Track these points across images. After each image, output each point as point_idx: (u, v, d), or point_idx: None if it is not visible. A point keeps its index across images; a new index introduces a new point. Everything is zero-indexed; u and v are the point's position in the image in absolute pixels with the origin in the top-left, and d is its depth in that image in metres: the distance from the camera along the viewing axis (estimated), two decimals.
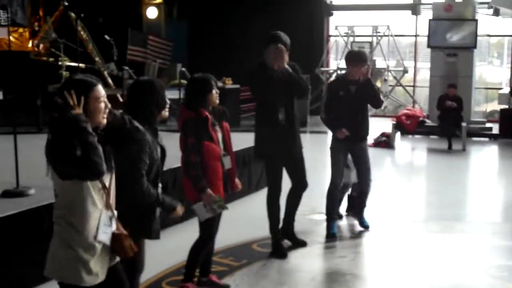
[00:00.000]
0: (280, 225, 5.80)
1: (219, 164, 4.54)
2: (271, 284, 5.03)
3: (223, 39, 17.09)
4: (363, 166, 6.31)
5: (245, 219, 5.98)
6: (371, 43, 16.24)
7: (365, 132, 6.29)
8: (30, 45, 14.96)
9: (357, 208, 6.67)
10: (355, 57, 6.18)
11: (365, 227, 6.52)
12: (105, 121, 3.04)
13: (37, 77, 13.16)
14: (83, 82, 3.00)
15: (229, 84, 13.48)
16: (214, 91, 4.52)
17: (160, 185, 3.77)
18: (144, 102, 3.72)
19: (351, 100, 6.07)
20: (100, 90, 3.02)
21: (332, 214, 6.37)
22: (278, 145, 5.50)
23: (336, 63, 17.13)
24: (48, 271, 3.04)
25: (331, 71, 17.24)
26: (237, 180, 4.86)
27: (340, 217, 6.95)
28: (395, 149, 12.48)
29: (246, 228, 5.98)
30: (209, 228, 4.61)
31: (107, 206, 3.05)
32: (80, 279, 2.96)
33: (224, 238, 5.71)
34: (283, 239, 5.92)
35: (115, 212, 3.12)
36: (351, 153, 6.30)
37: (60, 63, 13.78)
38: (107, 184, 3.03)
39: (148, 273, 4.31)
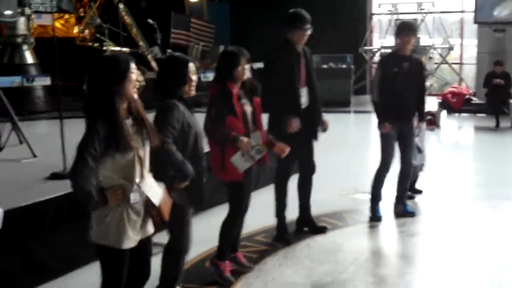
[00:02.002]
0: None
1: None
2: (314, 263, 5.05)
3: (265, 20, 17.03)
4: (409, 148, 6.10)
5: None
6: (415, 20, 15.94)
7: (418, 111, 6.10)
8: (75, 31, 15.24)
9: (398, 194, 6.28)
10: (406, 28, 5.99)
11: (410, 214, 6.22)
12: (136, 95, 3.19)
13: (83, 62, 13.43)
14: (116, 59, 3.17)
15: None
16: (242, 66, 4.47)
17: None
18: (165, 77, 3.91)
19: (405, 77, 5.90)
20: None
21: (377, 196, 6.20)
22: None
23: (380, 42, 16.92)
24: (90, 235, 3.19)
25: (375, 50, 17.04)
26: (279, 145, 4.74)
27: (419, 192, 6.93)
28: (441, 127, 12.28)
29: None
30: (239, 203, 4.62)
31: (141, 175, 3.15)
32: (117, 242, 3.11)
33: (267, 218, 5.78)
34: (303, 227, 5.83)
35: (150, 181, 3.23)
36: (399, 132, 6.03)
37: (105, 48, 14.02)
38: (141, 154, 3.14)
39: (193, 252, 4.37)
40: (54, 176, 5.43)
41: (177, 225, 3.89)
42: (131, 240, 3.17)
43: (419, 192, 7.03)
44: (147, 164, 3.24)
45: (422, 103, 6.14)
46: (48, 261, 4.66)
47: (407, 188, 6.38)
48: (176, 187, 3.78)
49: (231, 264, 4.77)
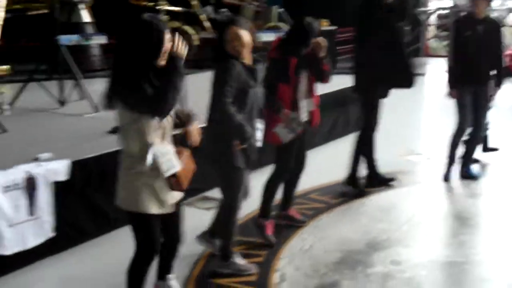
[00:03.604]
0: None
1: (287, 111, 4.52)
2: (370, 221, 5.10)
3: None
4: (482, 110, 6.01)
5: (343, 159, 6.03)
6: None
7: (494, 73, 5.95)
8: None
9: (464, 157, 6.25)
10: None
11: (474, 177, 6.19)
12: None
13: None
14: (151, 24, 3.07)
15: (326, 25, 13.31)
16: (311, 47, 4.51)
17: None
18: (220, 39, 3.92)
19: (478, 41, 5.79)
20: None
21: (451, 158, 6.17)
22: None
23: (436, 3, 16.52)
24: (118, 201, 3.25)
25: (430, 11, 16.65)
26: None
27: (495, 149, 6.94)
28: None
29: (341, 169, 6.02)
30: (283, 162, 4.67)
31: (165, 138, 3.19)
32: (145, 207, 3.15)
33: (322, 177, 5.84)
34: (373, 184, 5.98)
35: (166, 148, 3.21)
36: (473, 96, 5.95)
37: (158, 7, 14.08)
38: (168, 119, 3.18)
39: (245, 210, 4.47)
40: (115, 130, 5.56)
41: (231, 187, 3.99)
42: (158, 205, 3.19)
43: (495, 149, 6.97)
44: (168, 130, 3.25)
45: (498, 66, 5.96)
46: (110, 212, 4.81)
47: (474, 151, 6.30)
48: (234, 149, 3.87)
49: (273, 223, 4.83)
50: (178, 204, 3.39)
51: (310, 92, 4.71)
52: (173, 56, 3.07)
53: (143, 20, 3.08)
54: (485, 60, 5.85)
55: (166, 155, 3.17)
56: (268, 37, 10.32)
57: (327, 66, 4.60)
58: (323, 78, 4.67)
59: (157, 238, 3.29)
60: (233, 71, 3.79)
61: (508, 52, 12.67)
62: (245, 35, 3.90)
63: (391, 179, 6.05)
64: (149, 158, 3.10)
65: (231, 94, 3.77)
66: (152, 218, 3.21)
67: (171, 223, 3.41)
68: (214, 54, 4.01)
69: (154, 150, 3.11)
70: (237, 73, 3.80)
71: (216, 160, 3.96)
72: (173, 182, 3.20)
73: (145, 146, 3.10)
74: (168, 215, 3.30)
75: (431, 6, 17.09)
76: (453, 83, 5.93)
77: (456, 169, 6.21)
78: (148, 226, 3.23)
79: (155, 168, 3.13)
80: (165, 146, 3.20)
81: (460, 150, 6.14)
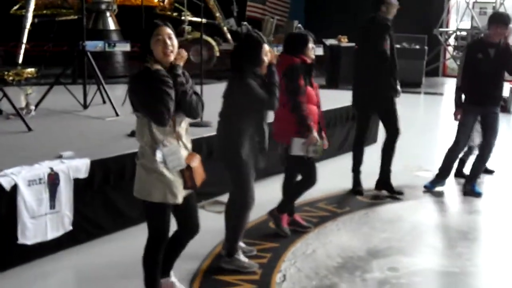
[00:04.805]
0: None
1: (316, 108, 4.89)
2: (372, 230, 5.32)
3: None
4: (491, 130, 6.17)
5: (348, 172, 6.29)
6: (494, 4, 15.68)
7: (499, 97, 6.22)
8: (156, 0, 15.69)
9: (471, 174, 6.46)
10: (500, 19, 6.06)
11: (477, 194, 6.36)
12: (169, 58, 3.40)
13: None
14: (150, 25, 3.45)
15: (345, 42, 13.57)
16: (310, 45, 4.83)
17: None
18: (240, 55, 4.21)
19: (489, 64, 5.99)
20: (160, 29, 3.39)
21: (442, 173, 6.43)
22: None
23: (456, 24, 16.68)
24: (135, 191, 3.57)
25: (450, 32, 16.83)
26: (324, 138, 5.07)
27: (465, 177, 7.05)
28: None
29: (348, 180, 6.28)
30: (310, 172, 4.94)
31: (177, 137, 3.48)
32: (161, 197, 3.45)
33: (330, 187, 6.08)
34: (381, 189, 6.31)
35: (185, 144, 3.54)
36: (481, 117, 6.19)
37: (183, 18, 14.45)
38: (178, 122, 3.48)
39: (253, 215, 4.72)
40: (134, 134, 5.84)
41: (242, 180, 4.25)
42: (174, 195, 3.48)
43: (491, 172, 7.16)
44: (182, 129, 3.54)
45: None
46: (126, 210, 5.10)
47: (481, 170, 6.49)
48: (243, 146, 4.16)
49: (289, 219, 5.15)
50: (191, 197, 3.67)
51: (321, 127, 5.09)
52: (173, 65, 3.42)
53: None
54: (493, 83, 6.06)
55: (175, 154, 3.46)
56: None
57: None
58: None
59: (166, 228, 3.58)
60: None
61: None
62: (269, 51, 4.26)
63: (400, 193, 6.27)
64: (159, 155, 3.41)
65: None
66: (164, 208, 3.51)
67: (187, 213, 3.71)
68: (233, 68, 4.27)
69: (162, 148, 3.41)
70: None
71: (227, 157, 4.25)
72: (187, 176, 3.51)
73: (153, 142, 3.41)
74: (183, 206, 3.58)
75: (451, 26, 17.24)
76: (459, 103, 6.16)
77: (448, 184, 6.51)
78: (159, 215, 3.53)
79: (156, 160, 3.43)
80: (175, 145, 3.47)
81: (466, 167, 6.36)
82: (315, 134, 4.76)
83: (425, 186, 6.49)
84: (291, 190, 5.10)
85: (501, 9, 15.45)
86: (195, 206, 3.80)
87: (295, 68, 4.75)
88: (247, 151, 4.18)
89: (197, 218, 3.80)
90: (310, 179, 4.96)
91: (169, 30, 3.41)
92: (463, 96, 6.22)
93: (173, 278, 3.99)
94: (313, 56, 4.88)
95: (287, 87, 4.70)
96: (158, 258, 3.66)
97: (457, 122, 6.32)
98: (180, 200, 3.53)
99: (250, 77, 4.12)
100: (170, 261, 3.92)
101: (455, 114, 6.23)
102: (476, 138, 6.72)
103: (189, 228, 3.79)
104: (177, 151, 3.47)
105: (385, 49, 5.90)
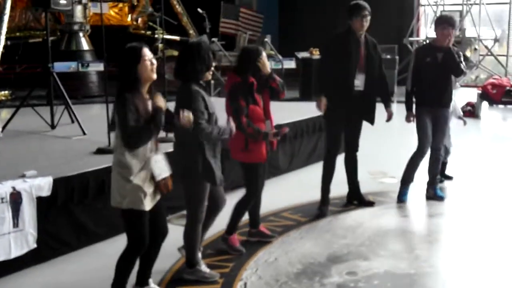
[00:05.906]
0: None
1: (263, 125, 4.94)
2: (333, 237, 5.45)
3: (312, 10, 17.34)
4: (441, 132, 6.36)
5: (316, 182, 6.40)
6: (461, 11, 15.99)
7: (449, 99, 6.38)
8: (129, 19, 15.85)
9: (429, 178, 6.58)
10: (444, 20, 6.25)
11: (440, 198, 6.50)
12: (154, 75, 3.75)
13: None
14: (134, 49, 3.76)
15: (316, 54, 13.75)
16: (262, 59, 4.89)
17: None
18: (192, 60, 4.27)
19: (437, 68, 6.16)
20: (144, 51, 3.73)
21: (407, 180, 6.52)
22: (343, 110, 5.91)
23: (425, 33, 16.97)
24: (113, 202, 3.81)
25: (421, 41, 17.11)
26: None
27: (449, 178, 7.24)
28: (481, 118, 12.39)
29: (316, 190, 6.39)
30: (255, 184, 5.03)
31: (155, 150, 3.84)
32: (140, 205, 3.73)
33: (295, 198, 6.21)
34: (352, 200, 6.38)
35: (158, 157, 3.85)
36: (432, 120, 6.33)
37: (156, 36, 14.58)
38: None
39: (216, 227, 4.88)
40: (100, 151, 5.94)
41: (193, 196, 4.42)
42: (149, 203, 3.77)
43: (449, 178, 7.29)
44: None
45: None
46: (91, 227, 5.19)
47: (438, 172, 6.65)
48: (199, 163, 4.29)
49: (238, 237, 5.21)
50: (160, 203, 3.94)
51: (267, 113, 5.09)
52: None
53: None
54: (442, 86, 6.25)
55: (159, 162, 3.81)
56: None
57: (274, 83, 5.00)
58: (278, 94, 5.07)
59: (146, 233, 3.82)
60: (201, 99, 4.29)
61: (489, 81, 13.11)
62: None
63: (371, 203, 6.36)
64: (156, 171, 3.78)
65: (203, 120, 4.25)
66: (144, 215, 3.76)
67: (157, 217, 3.93)
68: (178, 77, 4.40)
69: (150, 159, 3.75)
70: (204, 100, 4.32)
71: (182, 172, 4.35)
72: (162, 184, 3.81)
73: (136, 157, 3.71)
74: (153, 211, 3.83)
75: (421, 35, 17.54)
76: (410, 107, 6.38)
77: (413, 189, 6.58)
78: (140, 221, 3.78)
79: (143, 172, 3.73)
80: (157, 155, 3.83)
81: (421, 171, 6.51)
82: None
83: (401, 201, 6.48)
84: (234, 211, 5.12)
85: (467, 17, 15.81)
86: (164, 210, 4.07)
87: (233, 89, 4.86)
88: (202, 167, 4.29)
89: (166, 221, 4.09)
90: (251, 196, 5.06)
91: (148, 49, 3.75)
92: (414, 99, 6.41)
93: (152, 285, 4.16)
94: (268, 70, 4.95)
95: (230, 107, 4.84)
96: (132, 266, 3.89)
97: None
98: (151, 206, 3.80)
99: (196, 86, 4.28)
100: (148, 268, 4.10)
101: (407, 117, 6.40)
102: (449, 139, 6.95)
103: (161, 230, 4.02)
104: (162, 159, 3.83)
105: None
